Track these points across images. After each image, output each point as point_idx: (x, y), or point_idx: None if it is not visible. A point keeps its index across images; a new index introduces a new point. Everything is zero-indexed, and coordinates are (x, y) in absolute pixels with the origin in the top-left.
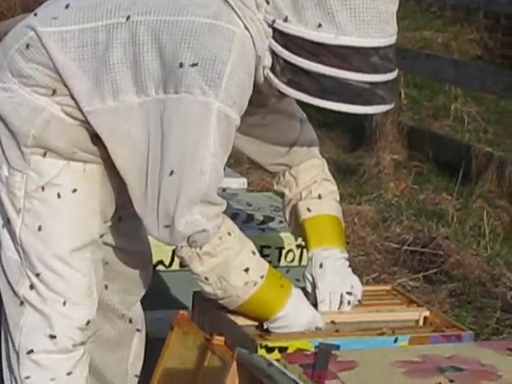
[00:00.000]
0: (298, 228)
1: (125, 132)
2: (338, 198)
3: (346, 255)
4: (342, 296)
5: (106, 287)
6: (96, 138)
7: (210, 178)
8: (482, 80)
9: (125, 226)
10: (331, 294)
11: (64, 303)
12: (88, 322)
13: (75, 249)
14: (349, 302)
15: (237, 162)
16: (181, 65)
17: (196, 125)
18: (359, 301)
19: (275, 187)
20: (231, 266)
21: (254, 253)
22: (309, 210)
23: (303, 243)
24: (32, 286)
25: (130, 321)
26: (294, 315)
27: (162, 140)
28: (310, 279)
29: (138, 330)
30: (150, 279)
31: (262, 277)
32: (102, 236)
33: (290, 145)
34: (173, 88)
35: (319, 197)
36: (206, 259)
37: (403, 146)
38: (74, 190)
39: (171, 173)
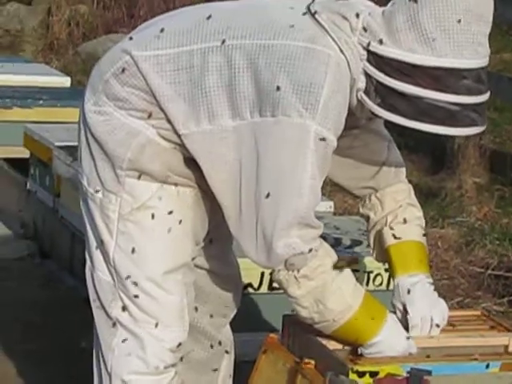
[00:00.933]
0: (383, 254)
1: (220, 155)
2: (424, 224)
3: (431, 280)
4: (431, 320)
5: (196, 309)
6: (190, 162)
7: (308, 200)
8: None
9: (215, 249)
10: (422, 319)
11: (156, 325)
12: (179, 345)
13: (168, 271)
14: (438, 326)
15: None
16: (277, 88)
17: (294, 147)
18: (451, 324)
19: (361, 210)
20: (328, 290)
21: (350, 277)
22: (394, 236)
23: None
24: (124, 308)
25: (220, 343)
26: (389, 341)
27: (257, 163)
28: (400, 306)
29: (227, 352)
30: (240, 301)
31: (358, 301)
32: (193, 259)
33: (378, 167)
34: (269, 111)
35: (404, 221)
36: (304, 282)
37: (485, 169)
38: (169, 213)
39: (267, 195)
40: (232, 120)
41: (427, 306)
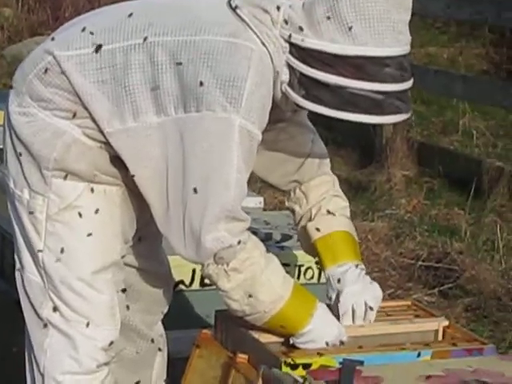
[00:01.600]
0: (311, 249)
1: (145, 152)
2: (349, 213)
3: (363, 266)
4: (365, 304)
5: (128, 307)
6: (116, 161)
7: (234, 194)
8: (491, 95)
9: (144, 247)
10: (354, 304)
11: (87, 324)
12: (111, 343)
13: (97, 270)
14: (372, 309)
15: (249, 180)
16: (201, 83)
17: (219, 141)
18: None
19: (286, 204)
20: (258, 282)
21: (279, 268)
22: (318, 229)
23: None
24: (55, 309)
25: (152, 340)
26: (320, 329)
27: (183, 158)
28: (333, 296)
29: (160, 350)
30: (171, 299)
31: (288, 292)
32: (123, 257)
33: (302, 159)
34: (194, 107)
35: (328, 213)
36: (233, 275)
37: (413, 162)
38: (96, 212)
39: (195, 190)
40: (157, 117)
41: (359, 291)
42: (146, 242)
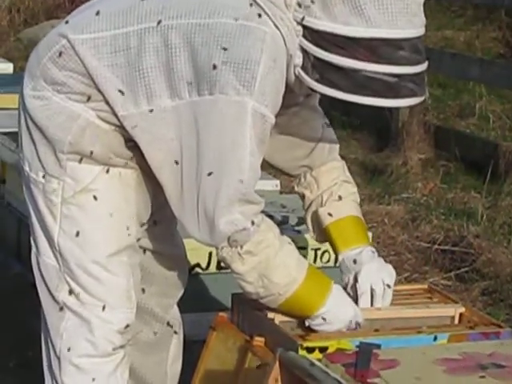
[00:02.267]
0: (322, 234)
1: (160, 135)
2: (358, 199)
3: (373, 249)
4: (383, 282)
5: (144, 291)
6: (131, 143)
7: (248, 177)
8: (508, 78)
9: (160, 230)
10: (373, 284)
11: (103, 307)
12: (127, 326)
13: (112, 253)
14: (389, 287)
15: (265, 164)
16: (214, 66)
17: (232, 125)
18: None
19: (296, 189)
20: (272, 264)
21: (293, 250)
22: (330, 214)
23: None
24: (71, 292)
25: (168, 323)
26: (336, 311)
27: (197, 142)
28: (350, 278)
29: (176, 333)
30: (187, 282)
31: (302, 274)
32: (138, 240)
33: (314, 144)
34: (207, 90)
35: (339, 198)
36: (248, 258)
37: (430, 146)
38: (111, 195)
39: (209, 173)
40: (171, 100)
41: (376, 269)
42: (162, 225)
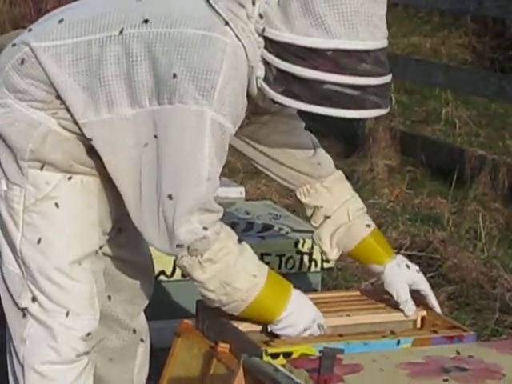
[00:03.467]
0: (352, 247)
1: (119, 144)
2: None
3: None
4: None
5: (110, 298)
6: (92, 151)
7: (207, 187)
8: (473, 84)
9: (125, 238)
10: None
11: (67, 314)
12: (89, 334)
13: (75, 260)
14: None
15: (231, 171)
16: (174, 75)
17: (191, 135)
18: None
19: (303, 200)
20: (233, 271)
21: (253, 256)
22: (368, 226)
23: (302, 249)
24: (34, 299)
25: (134, 331)
26: (297, 313)
27: (157, 150)
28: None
29: (142, 341)
30: (153, 289)
31: (263, 278)
32: (101, 247)
33: (311, 151)
34: (167, 99)
35: (362, 209)
36: (208, 266)
37: (396, 152)
38: (72, 202)
39: (168, 185)
40: (131, 108)
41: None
42: (127, 232)
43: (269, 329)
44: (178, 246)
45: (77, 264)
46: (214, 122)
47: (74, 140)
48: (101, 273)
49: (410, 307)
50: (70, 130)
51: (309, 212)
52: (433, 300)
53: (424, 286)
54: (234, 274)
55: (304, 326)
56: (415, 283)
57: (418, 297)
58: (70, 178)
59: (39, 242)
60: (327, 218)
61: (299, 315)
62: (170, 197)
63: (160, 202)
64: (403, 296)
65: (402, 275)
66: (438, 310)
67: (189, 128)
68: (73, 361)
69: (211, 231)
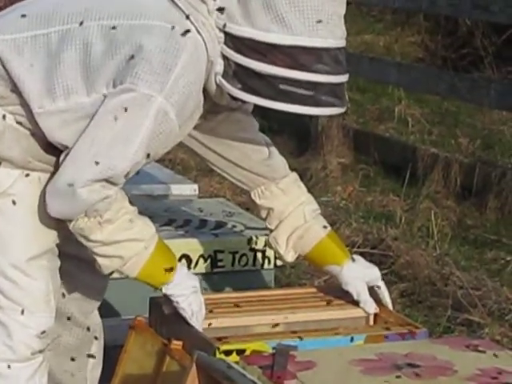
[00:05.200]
0: (305, 249)
1: (75, 132)
2: None
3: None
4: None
5: (64, 295)
6: (50, 147)
7: (126, 165)
8: (425, 82)
9: None
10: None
11: (22, 312)
12: (44, 331)
13: (31, 257)
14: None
15: (185, 168)
16: (131, 58)
17: (134, 112)
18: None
19: (258, 201)
20: (130, 231)
21: (147, 219)
22: (325, 227)
23: (255, 247)
24: None
25: (88, 329)
26: (184, 279)
27: (96, 122)
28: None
29: (96, 338)
30: (107, 287)
31: (154, 242)
32: (58, 245)
33: (266, 150)
34: (121, 82)
35: (317, 211)
36: (106, 226)
37: (349, 150)
38: (30, 199)
39: (94, 149)
40: (88, 97)
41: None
42: None
43: (163, 290)
44: (80, 205)
45: (33, 261)
46: (160, 108)
47: (31, 137)
48: (56, 270)
49: (370, 305)
50: (26, 126)
51: (263, 213)
52: (387, 297)
53: (380, 284)
54: (130, 232)
55: (190, 287)
56: (372, 280)
57: (371, 293)
58: (27, 175)
59: None
60: (283, 220)
61: (187, 280)
62: (87, 161)
63: (76, 162)
64: (363, 295)
65: (359, 274)
66: (390, 306)
67: (134, 106)
68: (28, 359)
69: (113, 192)
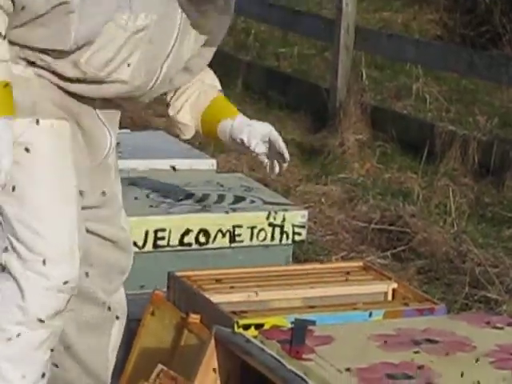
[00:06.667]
0: (202, 109)
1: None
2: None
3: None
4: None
5: (87, 274)
6: (59, 93)
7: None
8: (444, 59)
9: (105, 212)
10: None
11: (44, 262)
12: (69, 281)
13: (52, 203)
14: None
15: (202, 144)
16: None
17: None
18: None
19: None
20: None
21: None
22: (220, 91)
23: (274, 222)
24: (13, 250)
25: (109, 308)
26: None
27: None
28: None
29: (117, 318)
30: (131, 264)
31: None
32: (81, 193)
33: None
34: None
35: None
36: None
37: (367, 126)
38: (43, 146)
39: None
40: None
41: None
42: (107, 206)
43: None
44: None
45: (54, 209)
46: None
47: (37, 79)
48: (83, 224)
49: (260, 147)
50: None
51: (169, 96)
52: (281, 144)
53: (272, 131)
54: None
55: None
56: (264, 130)
57: (269, 146)
58: (38, 121)
59: (13, 189)
60: (184, 91)
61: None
62: None
63: None
64: (253, 139)
65: (252, 123)
66: (286, 155)
67: None
68: (40, 321)
69: None
